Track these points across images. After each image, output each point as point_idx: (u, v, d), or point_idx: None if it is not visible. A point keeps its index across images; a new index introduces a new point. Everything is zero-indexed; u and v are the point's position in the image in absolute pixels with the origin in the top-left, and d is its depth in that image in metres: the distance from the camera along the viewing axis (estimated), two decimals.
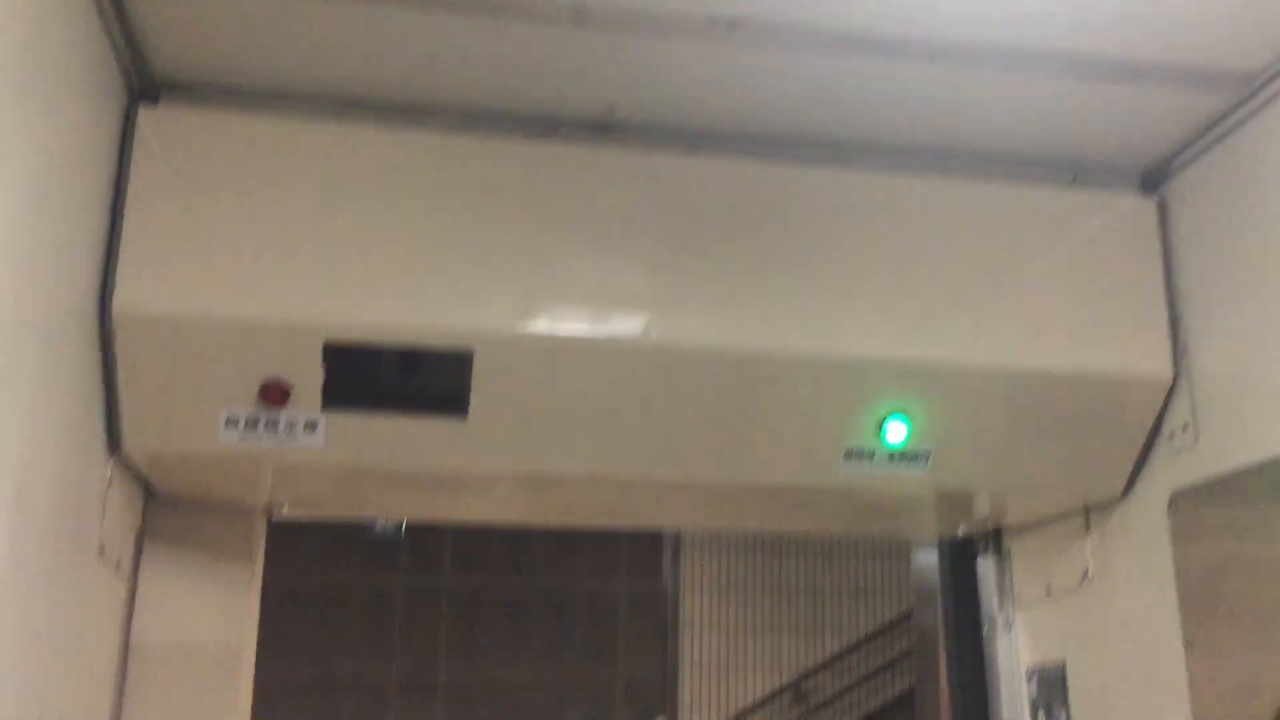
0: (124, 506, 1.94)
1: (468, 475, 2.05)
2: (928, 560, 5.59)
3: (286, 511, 2.24)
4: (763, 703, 7.82)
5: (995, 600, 2.45)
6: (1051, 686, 2.27)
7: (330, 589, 8.48)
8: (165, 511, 2.10)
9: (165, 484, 2.06)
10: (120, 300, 1.72)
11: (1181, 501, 1.96)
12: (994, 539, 2.48)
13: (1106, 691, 2.14)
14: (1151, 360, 1.99)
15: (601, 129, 1.95)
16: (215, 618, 2.14)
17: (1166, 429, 2.01)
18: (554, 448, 1.96)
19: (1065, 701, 2.23)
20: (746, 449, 2.01)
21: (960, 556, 2.62)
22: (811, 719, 7.83)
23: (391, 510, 2.59)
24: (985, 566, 2.49)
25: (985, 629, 2.48)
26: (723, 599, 8.00)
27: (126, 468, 1.92)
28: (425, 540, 8.61)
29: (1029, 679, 2.35)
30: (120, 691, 2.01)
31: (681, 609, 7.98)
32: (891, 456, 2.00)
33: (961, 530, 2.49)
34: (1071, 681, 2.22)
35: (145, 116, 1.79)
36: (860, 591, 8.11)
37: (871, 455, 2.00)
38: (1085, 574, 2.19)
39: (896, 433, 1.97)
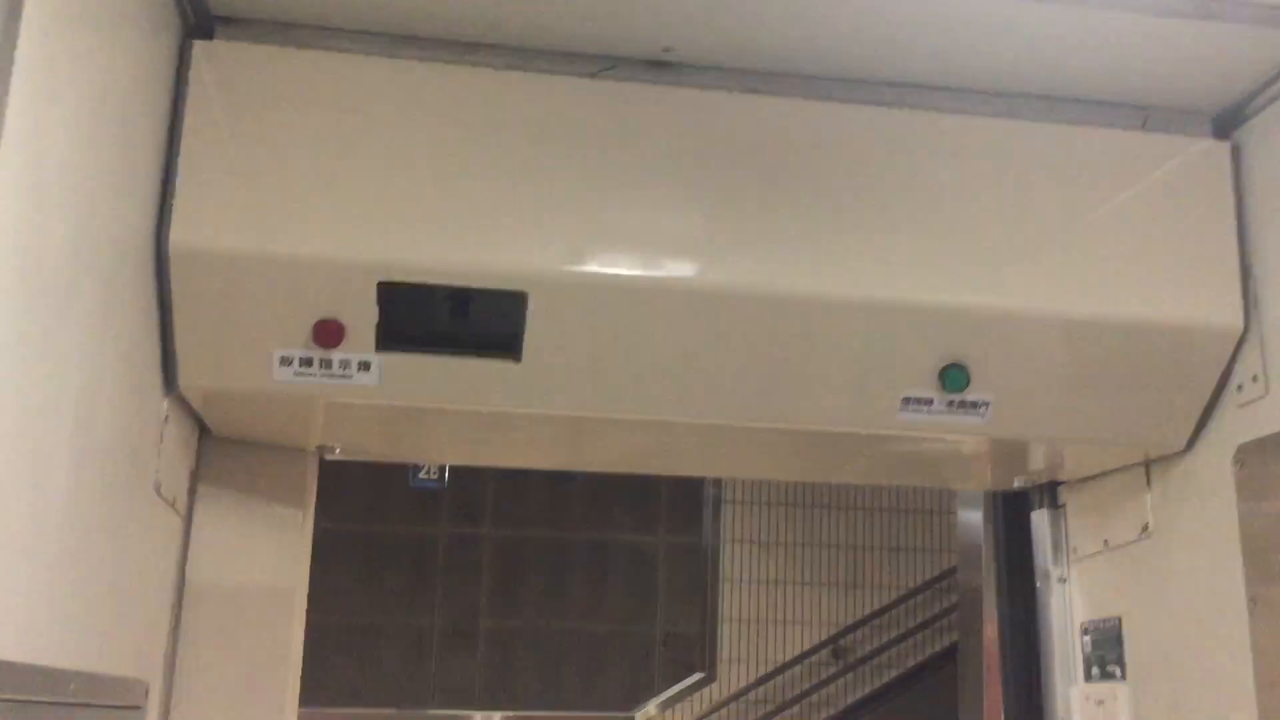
0: (179, 445, 1.94)
1: (519, 418, 2.03)
2: (972, 516, 5.54)
3: (339, 453, 2.24)
4: (801, 658, 7.84)
5: (1049, 554, 2.41)
6: (1107, 642, 2.24)
7: (373, 538, 8.58)
8: (219, 451, 2.11)
9: (219, 423, 2.06)
10: (176, 237, 1.72)
11: (1248, 455, 1.92)
12: (1049, 491, 2.44)
13: (1165, 648, 2.11)
14: (1221, 309, 1.94)
15: (657, 67, 1.91)
16: (268, 557, 2.15)
17: (1234, 380, 1.96)
18: (606, 392, 1.95)
19: (1121, 658, 2.20)
20: (802, 395, 1.98)
21: (1012, 510, 2.58)
22: (850, 675, 7.84)
23: (441, 454, 2.60)
24: (1039, 520, 2.45)
25: (1039, 583, 2.44)
26: (762, 554, 8.01)
27: (182, 406, 1.92)
28: (467, 491, 8.68)
29: (1083, 634, 2.32)
30: (175, 630, 2.03)
31: (721, 564, 8.00)
32: (950, 405, 1.96)
33: (1016, 483, 2.45)
34: (1128, 637, 2.19)
35: (200, 51, 1.77)
36: (900, 549, 8.10)
37: (929, 403, 1.96)
38: (1145, 528, 2.16)
39: (955, 381, 1.93)
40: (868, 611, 7.92)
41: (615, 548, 8.97)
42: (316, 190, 1.77)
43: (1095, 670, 2.27)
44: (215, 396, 1.93)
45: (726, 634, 7.94)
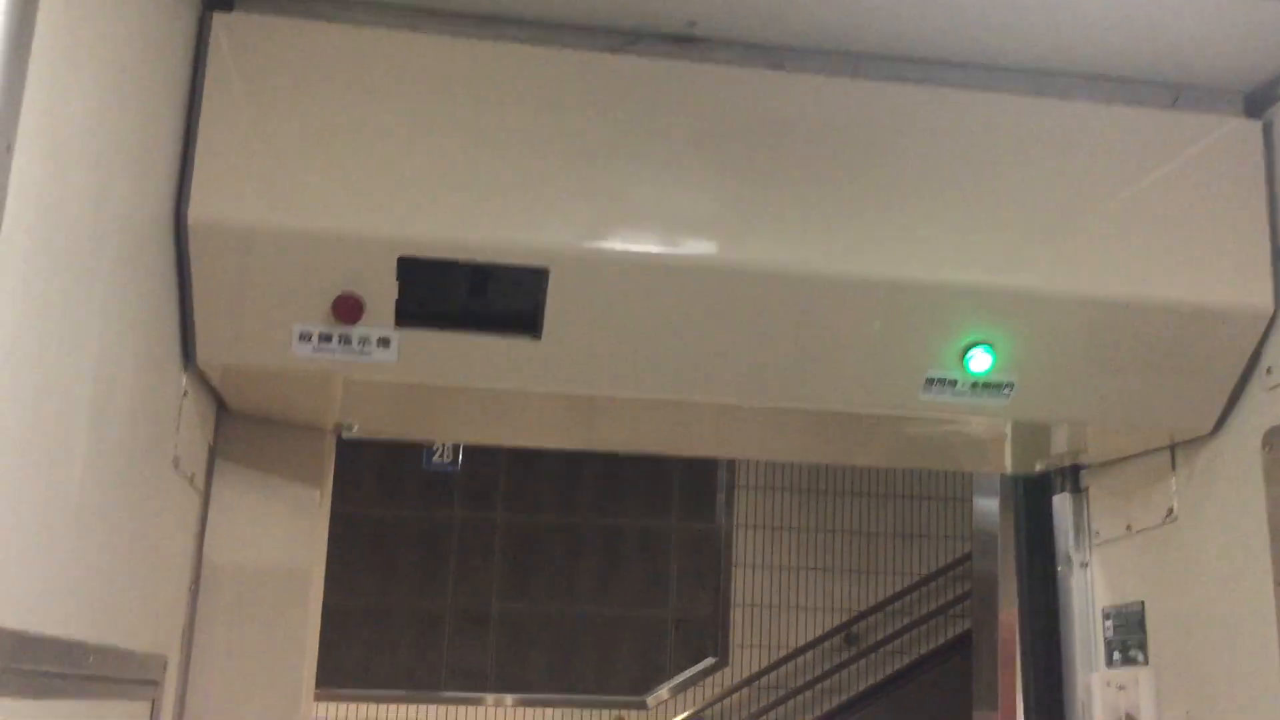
0: (198, 421, 1.93)
1: (538, 397, 2.02)
2: (987, 503, 5.52)
3: (356, 431, 2.23)
4: (813, 644, 7.83)
5: (1071, 538, 2.39)
6: (1129, 627, 2.22)
7: (386, 522, 8.59)
8: (237, 427, 2.10)
9: (237, 399, 2.05)
10: (195, 210, 1.70)
11: (1277, 439, 1.89)
12: (1070, 475, 2.42)
13: (1188, 633, 2.09)
14: (1251, 291, 1.91)
15: (681, 42, 1.89)
16: (286, 535, 2.14)
17: (1264, 363, 1.94)
18: (626, 371, 1.93)
19: (1143, 642, 2.18)
20: (824, 375, 1.96)
21: (1033, 494, 2.56)
22: (862, 661, 7.83)
23: (458, 433, 2.58)
24: (1061, 504, 2.43)
25: (1060, 567, 2.42)
26: (775, 540, 8.00)
27: (200, 382, 1.91)
28: (480, 475, 8.68)
29: (1104, 619, 2.30)
30: (193, 606, 2.03)
31: (733, 549, 8.00)
32: (974, 386, 1.94)
33: (1038, 466, 2.43)
34: (1150, 622, 2.17)
35: (219, 23, 1.75)
36: (913, 535, 8.08)
37: (953, 384, 1.94)
38: (1170, 512, 2.13)
39: (980, 362, 1.91)
40: (880, 598, 7.91)
41: (627, 533, 8.96)
42: (336, 164, 1.75)
43: (1116, 655, 2.25)
44: (234, 372, 1.91)
45: (739, 619, 7.94)
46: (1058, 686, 2.42)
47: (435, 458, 7.93)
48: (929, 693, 7.55)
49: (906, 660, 7.82)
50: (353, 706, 7.56)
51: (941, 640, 7.73)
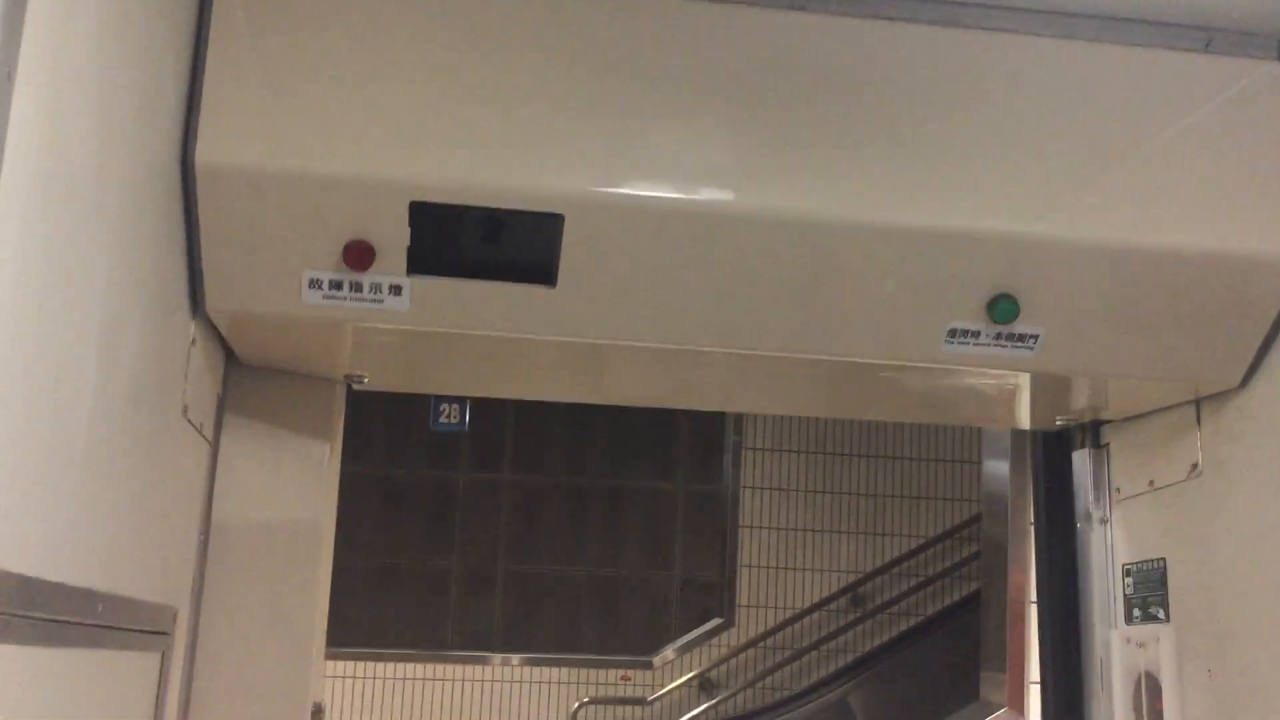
0: (206, 369, 1.90)
1: (551, 346, 1.98)
2: (998, 465, 5.50)
3: (367, 383, 2.20)
4: (820, 605, 7.83)
5: (1091, 495, 2.35)
6: (1149, 584, 2.19)
7: (393, 482, 8.59)
8: (247, 378, 2.07)
9: (247, 349, 2.02)
10: (202, 153, 1.66)
11: None
12: (1091, 431, 2.38)
13: (1211, 590, 2.06)
14: None
15: None
16: (297, 488, 2.11)
17: None
18: (642, 319, 1.89)
19: (1164, 600, 2.15)
20: (845, 325, 1.92)
21: (1052, 450, 2.52)
22: (868, 622, 7.83)
23: (469, 384, 2.55)
24: (1081, 460, 2.39)
25: (1079, 524, 2.39)
26: (782, 501, 7.98)
27: (209, 330, 1.87)
28: (487, 436, 8.67)
29: (1124, 576, 2.27)
30: (203, 560, 2.00)
31: (740, 511, 7.98)
32: (998, 337, 1.90)
33: (1059, 421, 2.39)
34: (1172, 579, 2.14)
35: None
36: (921, 497, 8.05)
37: (977, 335, 1.90)
38: (1194, 467, 2.10)
39: (1005, 312, 1.87)
40: (887, 560, 7.90)
41: (633, 494, 8.95)
42: (347, 106, 1.71)
43: (1136, 612, 2.22)
44: (243, 320, 1.88)
45: (745, 580, 7.93)
46: (1075, 644, 2.40)
47: (442, 418, 7.91)
48: (936, 654, 7.56)
49: (913, 621, 7.82)
50: (359, 665, 7.58)
51: (948, 601, 7.72)
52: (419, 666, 7.79)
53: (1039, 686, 2.51)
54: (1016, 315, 1.87)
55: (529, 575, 8.74)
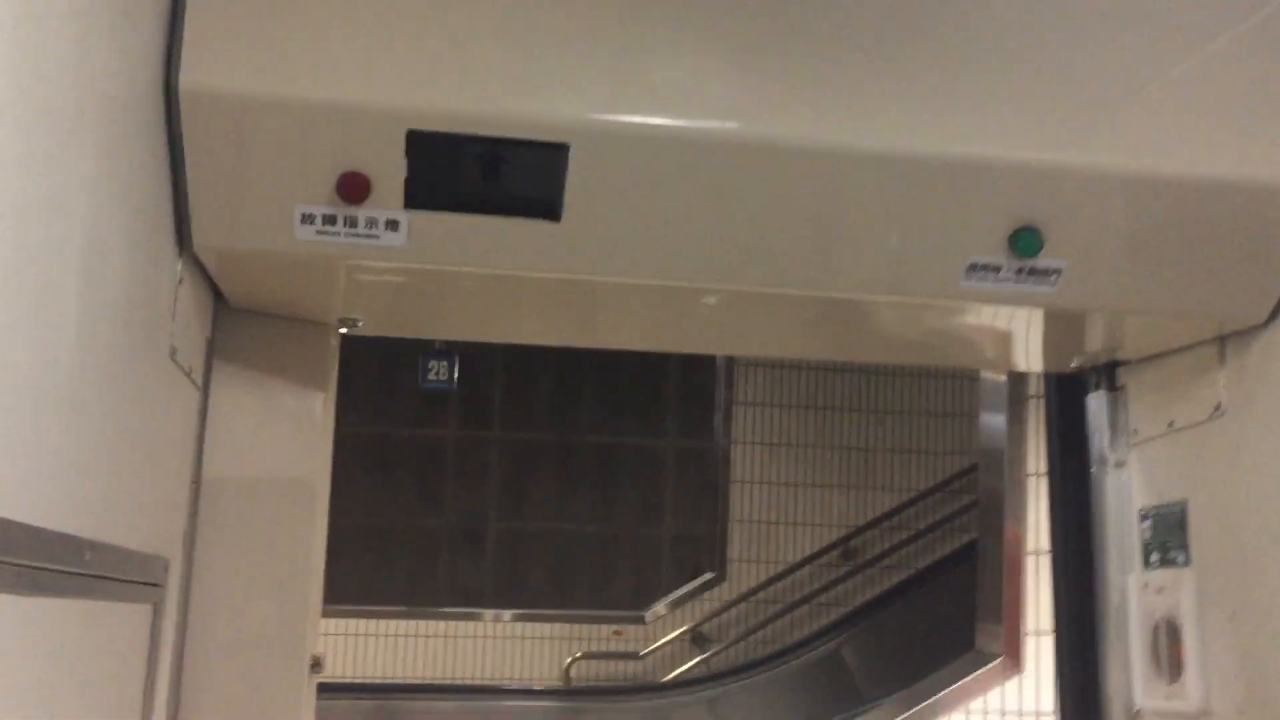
0: (194, 311, 1.81)
1: (556, 285, 1.89)
2: (994, 418, 5.46)
3: (362, 327, 2.11)
4: (811, 559, 7.82)
5: (1107, 438, 2.29)
6: (1169, 527, 2.14)
7: (382, 440, 8.53)
8: (237, 323, 1.98)
9: (236, 290, 1.93)
10: (187, 78, 1.57)
11: None
12: (1107, 373, 2.32)
13: (1233, 532, 2.00)
14: None
15: None
16: (289, 435, 2.03)
17: None
18: (651, 255, 1.81)
19: (1184, 543, 2.09)
20: (859, 259, 1.84)
21: (1065, 394, 2.46)
22: (860, 575, 7.83)
23: (466, 327, 2.45)
24: (1097, 402, 2.33)
25: (1094, 469, 2.33)
26: (773, 456, 7.96)
27: (197, 270, 1.79)
28: (476, 394, 8.61)
29: (1142, 520, 2.21)
30: (194, 512, 1.92)
31: (732, 466, 7.95)
32: (1019, 272, 1.82)
33: (1074, 363, 2.32)
34: (1193, 522, 2.08)
35: None
36: (913, 451, 8.04)
37: (997, 270, 1.83)
38: (1218, 407, 2.03)
39: (1028, 245, 1.79)
40: (879, 513, 7.89)
41: (625, 451, 8.91)
42: (341, 28, 1.62)
43: (1155, 557, 2.17)
44: (231, 258, 1.79)
45: (736, 535, 7.92)
46: (1089, 592, 2.34)
47: (431, 375, 7.84)
48: (925, 607, 7.56)
49: (905, 574, 7.82)
50: (351, 622, 7.55)
51: (941, 554, 7.72)
52: (411, 623, 7.77)
53: (1052, 636, 2.46)
54: (1040, 248, 1.80)
55: (519, 533, 8.71)
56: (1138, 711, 2.16)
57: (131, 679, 1.60)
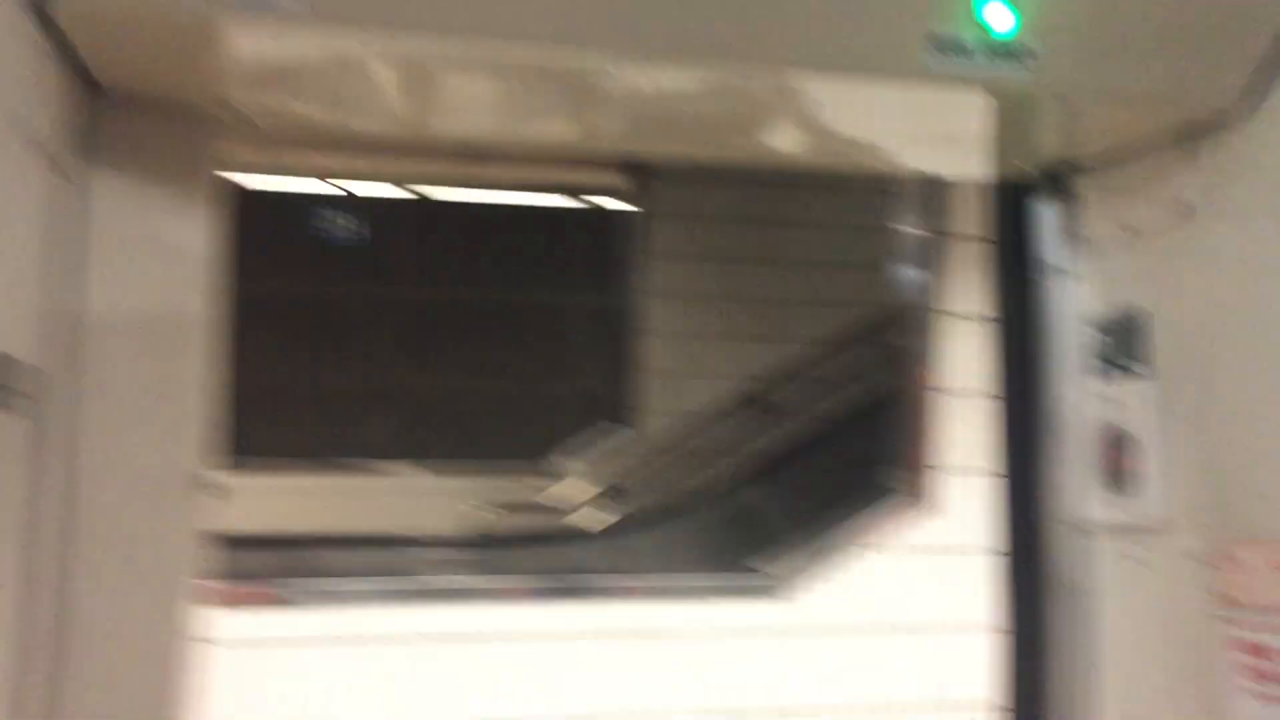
0: (59, 92, 1.57)
1: (475, 65, 1.68)
2: (906, 265, 5.44)
3: (254, 119, 1.87)
4: (726, 410, 7.81)
5: (1058, 247, 2.18)
6: (1122, 337, 2.04)
7: (284, 299, 8.23)
8: (112, 117, 1.74)
9: (108, 70, 1.67)
10: None
11: None
12: (1061, 179, 2.19)
13: (1194, 341, 1.91)
14: None
15: None
16: (174, 236, 1.79)
17: None
18: (584, 18, 1.58)
19: (1143, 353, 2.00)
20: (802, 28, 1.62)
21: (1011, 202, 2.32)
22: (774, 425, 7.85)
23: (367, 120, 2.14)
24: (1047, 209, 2.20)
25: (1042, 279, 2.22)
26: (685, 310, 7.87)
27: (62, 47, 1.54)
28: (382, 250, 8.34)
29: (1098, 330, 2.12)
30: (77, 325, 1.71)
31: (642, 318, 7.86)
32: (991, 51, 1.66)
33: (1030, 164, 2.17)
34: (1153, 331, 1.99)
35: None
36: (828, 302, 8.00)
37: (964, 47, 1.66)
38: (1185, 209, 1.92)
39: (1000, 19, 1.63)
40: (795, 364, 7.88)
41: (534, 307, 8.74)
42: None
43: (1104, 367, 2.08)
44: (100, 24, 1.53)
45: (646, 386, 7.88)
46: (1033, 407, 2.26)
47: (330, 226, 7.53)
48: (839, 455, 7.63)
49: (820, 423, 7.86)
50: (258, 479, 7.36)
51: (857, 405, 7.76)
52: (315, 480, 7.61)
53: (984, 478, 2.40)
54: (1017, 26, 1.64)
55: (426, 389, 8.55)
56: (1086, 524, 2.10)
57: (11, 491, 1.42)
